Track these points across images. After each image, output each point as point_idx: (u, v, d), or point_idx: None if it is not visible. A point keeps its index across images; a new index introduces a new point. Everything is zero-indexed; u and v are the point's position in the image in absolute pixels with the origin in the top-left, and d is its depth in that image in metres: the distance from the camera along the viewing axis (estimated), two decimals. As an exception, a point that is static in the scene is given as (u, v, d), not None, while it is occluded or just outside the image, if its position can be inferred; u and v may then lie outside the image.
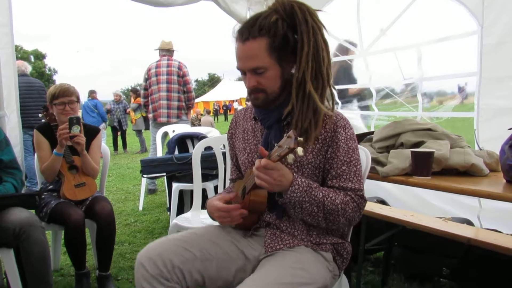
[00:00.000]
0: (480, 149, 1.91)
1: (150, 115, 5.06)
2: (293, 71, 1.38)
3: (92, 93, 9.88)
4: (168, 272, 1.32)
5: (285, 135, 1.19)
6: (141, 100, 5.16)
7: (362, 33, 3.64)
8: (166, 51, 5.06)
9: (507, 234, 2.13)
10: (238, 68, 1.41)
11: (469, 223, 2.43)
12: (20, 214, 2.03)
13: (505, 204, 2.37)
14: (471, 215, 2.58)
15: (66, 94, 2.52)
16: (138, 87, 12.04)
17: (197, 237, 1.45)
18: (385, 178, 1.78)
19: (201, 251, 1.40)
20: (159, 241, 1.42)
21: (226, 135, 1.88)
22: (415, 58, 3.26)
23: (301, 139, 1.14)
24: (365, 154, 1.70)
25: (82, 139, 2.46)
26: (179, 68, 4.96)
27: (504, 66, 2.47)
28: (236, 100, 36.50)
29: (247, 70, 1.38)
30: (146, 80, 5.03)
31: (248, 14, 3.80)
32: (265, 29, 1.32)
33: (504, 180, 1.58)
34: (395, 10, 3.25)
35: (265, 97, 1.40)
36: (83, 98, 10.01)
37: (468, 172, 1.73)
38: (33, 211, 2.26)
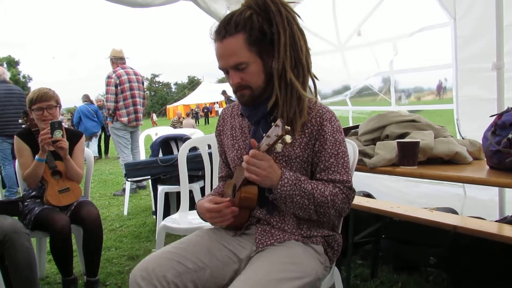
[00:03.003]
0: (463, 138, 1.96)
1: (124, 119, 5.21)
2: (274, 63, 1.39)
3: (88, 98, 9.76)
4: None
5: (272, 124, 1.20)
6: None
7: (338, 28, 3.68)
8: (120, 59, 5.34)
9: (491, 221, 2.19)
10: (220, 68, 1.42)
11: (454, 212, 2.48)
12: (3, 221, 1.98)
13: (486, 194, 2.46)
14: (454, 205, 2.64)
15: (44, 99, 2.45)
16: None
17: (189, 247, 1.43)
18: (373, 169, 1.81)
19: (193, 262, 1.38)
20: (152, 257, 1.40)
21: (210, 135, 1.88)
22: (390, 52, 3.31)
23: (288, 127, 1.15)
24: (352, 147, 1.72)
25: (65, 143, 2.40)
26: (141, 76, 5.50)
27: (478, 57, 2.54)
28: (217, 102, 36.40)
29: (229, 68, 1.38)
30: (116, 85, 5.18)
31: (227, 13, 3.79)
32: (241, 25, 1.33)
33: (487, 166, 1.62)
34: (370, 4, 3.30)
35: (251, 93, 1.40)
36: (77, 102, 9.93)
37: (452, 160, 1.77)
38: (16, 218, 2.20)
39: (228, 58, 1.37)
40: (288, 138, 1.14)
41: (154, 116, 35.64)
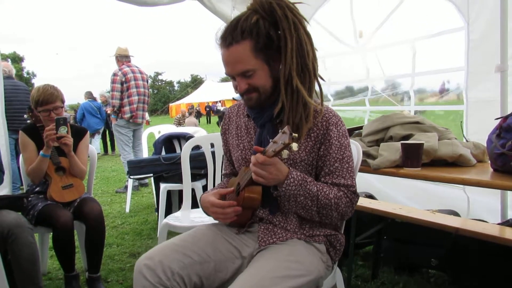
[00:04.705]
0: (467, 140, 1.96)
1: (127, 116, 5.26)
2: (280, 69, 1.39)
3: (91, 95, 9.85)
4: (167, 280, 1.31)
5: (280, 130, 1.21)
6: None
7: (356, 29, 3.68)
8: (125, 57, 5.42)
9: (494, 223, 2.19)
10: (227, 74, 1.41)
11: (456, 214, 2.48)
12: (7, 216, 1.99)
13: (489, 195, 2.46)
14: (457, 206, 2.64)
15: (50, 101, 2.44)
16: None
17: (194, 240, 1.45)
18: (377, 170, 1.81)
19: (198, 255, 1.40)
20: (157, 248, 1.41)
21: (214, 134, 1.89)
22: (407, 54, 3.32)
23: (296, 134, 1.15)
24: (356, 148, 1.72)
25: (70, 140, 2.41)
26: (146, 74, 5.59)
27: (488, 60, 2.54)
28: (220, 101, 36.39)
29: (236, 75, 1.38)
30: (122, 83, 5.24)
31: (233, 14, 3.80)
32: (247, 32, 1.32)
33: (491, 169, 1.63)
34: (388, 7, 3.30)
35: (258, 96, 1.40)
36: (80, 99, 10.11)
37: (456, 162, 1.77)
38: (19, 213, 2.21)
39: (235, 66, 1.37)
40: (294, 146, 1.15)
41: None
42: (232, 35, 1.34)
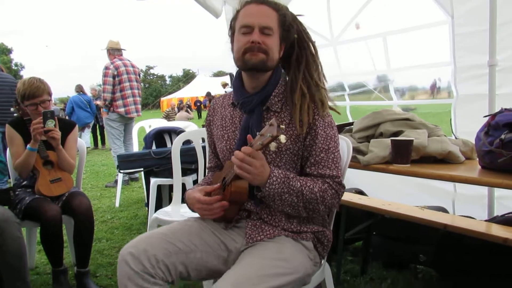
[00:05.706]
0: (456, 138, 1.98)
1: (121, 110, 5.22)
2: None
3: (81, 88, 9.79)
4: (152, 268, 1.30)
5: (267, 123, 1.20)
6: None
7: (332, 21, 3.64)
8: (117, 50, 5.40)
9: (481, 220, 2.22)
10: (246, 24, 1.40)
11: (444, 210, 2.51)
12: (-7, 210, 1.96)
13: (476, 191, 2.48)
14: (445, 202, 2.67)
15: (37, 95, 2.38)
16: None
17: (179, 230, 1.44)
18: (366, 166, 1.82)
19: (184, 243, 1.39)
20: (142, 236, 1.40)
21: (205, 129, 1.87)
22: (385, 49, 3.31)
23: (283, 126, 1.15)
24: (346, 143, 1.72)
25: (57, 133, 2.38)
26: (138, 68, 5.58)
27: (474, 54, 2.56)
28: (213, 96, 36.25)
29: (258, 27, 1.38)
30: (114, 77, 5.20)
31: (223, 9, 3.77)
32: (279, 8, 1.42)
33: (479, 166, 1.64)
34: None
35: (264, 58, 1.39)
36: (70, 92, 9.99)
37: (445, 159, 1.79)
38: (6, 207, 2.18)
39: (262, 18, 1.40)
40: (282, 138, 1.14)
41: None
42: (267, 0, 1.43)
